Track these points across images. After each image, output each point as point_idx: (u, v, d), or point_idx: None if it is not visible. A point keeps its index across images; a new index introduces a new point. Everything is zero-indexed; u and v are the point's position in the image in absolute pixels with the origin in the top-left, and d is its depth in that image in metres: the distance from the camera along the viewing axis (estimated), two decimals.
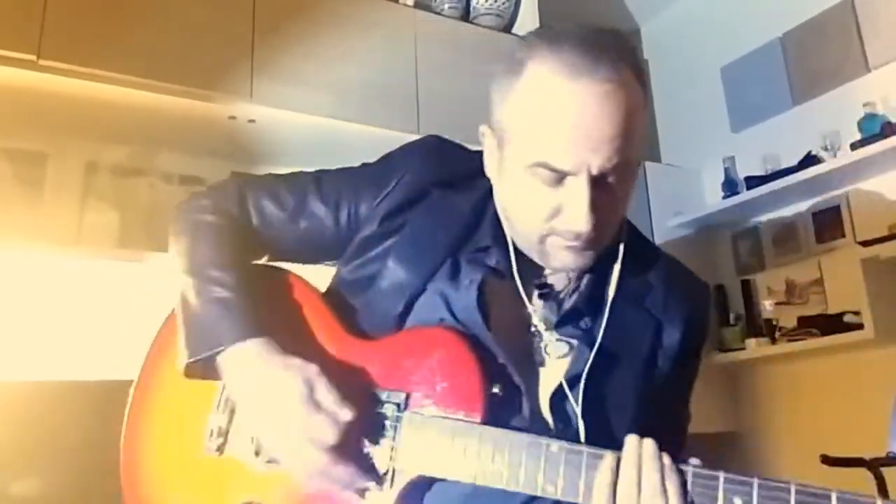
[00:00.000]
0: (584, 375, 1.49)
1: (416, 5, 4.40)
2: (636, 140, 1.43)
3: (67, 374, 3.35)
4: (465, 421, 1.42)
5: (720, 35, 5.55)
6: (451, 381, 1.46)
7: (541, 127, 1.41)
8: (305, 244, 1.71)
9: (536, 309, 1.57)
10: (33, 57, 3.25)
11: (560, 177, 1.41)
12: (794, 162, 4.71)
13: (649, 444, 1.33)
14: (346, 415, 1.40)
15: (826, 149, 4.54)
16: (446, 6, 4.56)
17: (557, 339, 1.55)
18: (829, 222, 4.68)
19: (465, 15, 4.67)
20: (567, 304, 1.59)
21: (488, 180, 1.61)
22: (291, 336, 1.54)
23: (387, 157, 1.74)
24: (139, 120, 3.70)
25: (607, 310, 1.55)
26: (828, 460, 3.55)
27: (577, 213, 1.41)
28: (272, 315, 1.56)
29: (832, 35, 4.76)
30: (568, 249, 1.47)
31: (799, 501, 1.26)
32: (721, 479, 1.29)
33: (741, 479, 1.28)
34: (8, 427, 3.10)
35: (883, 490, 3.42)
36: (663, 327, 1.60)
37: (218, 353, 1.49)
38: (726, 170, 5.12)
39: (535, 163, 1.41)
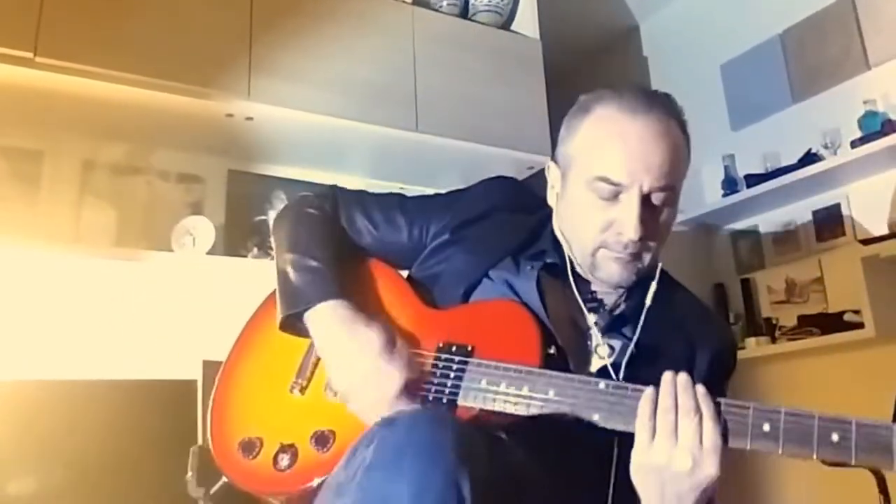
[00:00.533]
0: (625, 360, 1.76)
1: (415, 2, 4.40)
2: (680, 176, 1.78)
3: (64, 373, 3.36)
4: (524, 367, 1.64)
5: (720, 32, 5.57)
6: (513, 337, 1.72)
7: (603, 149, 1.75)
8: (380, 244, 2.04)
9: (589, 315, 1.84)
10: (30, 54, 3.25)
11: (616, 192, 1.72)
12: (794, 160, 4.72)
13: (683, 376, 1.52)
14: (414, 370, 1.69)
15: (826, 146, 4.55)
16: (444, 3, 4.56)
17: (605, 342, 1.81)
18: (829, 221, 4.70)
19: (464, 12, 4.67)
20: (616, 313, 1.85)
21: (547, 211, 1.96)
22: (372, 299, 1.90)
23: (458, 189, 2.14)
24: (136, 117, 3.70)
25: (644, 312, 1.81)
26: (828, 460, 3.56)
27: (627, 223, 1.71)
28: (357, 284, 1.91)
29: (832, 32, 4.78)
30: (616, 261, 1.77)
31: (821, 426, 1.40)
32: (751, 409, 1.47)
33: (770, 409, 1.45)
34: (3, 426, 3.11)
35: (884, 490, 3.43)
36: (696, 349, 1.84)
37: (307, 309, 1.79)
38: (726, 168, 5.13)
39: (596, 177, 1.73)
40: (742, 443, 1.45)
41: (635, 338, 1.79)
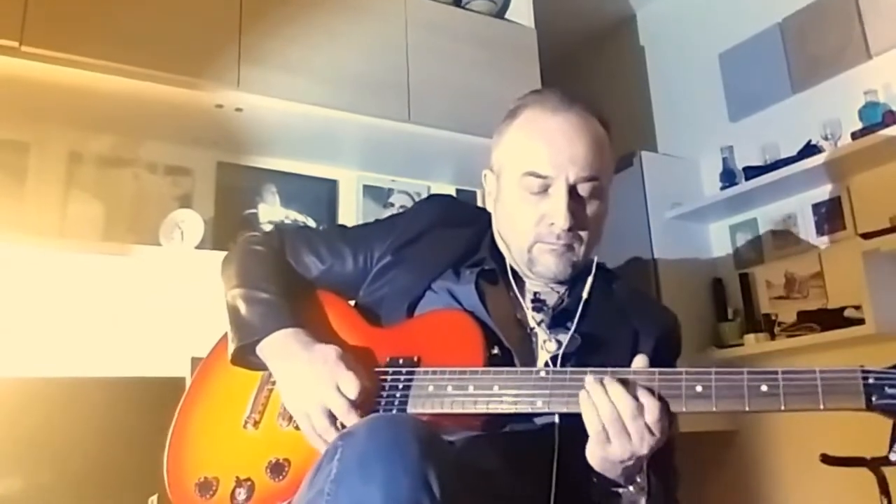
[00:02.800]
0: (570, 350, 1.86)
1: None
2: (604, 168, 1.95)
3: (50, 370, 3.36)
4: (468, 368, 1.74)
5: (718, 21, 5.59)
6: (456, 343, 1.82)
7: (530, 146, 1.94)
8: (327, 276, 2.14)
9: (533, 314, 1.97)
10: (16, 43, 3.25)
11: (544, 185, 1.89)
12: (793, 152, 4.74)
13: (607, 378, 1.59)
14: (367, 381, 1.74)
15: (826, 138, 4.56)
16: None
17: (552, 337, 1.91)
18: (829, 214, 4.71)
19: (458, 0, 4.67)
20: (559, 309, 1.97)
21: (484, 222, 2.13)
22: (321, 327, 1.96)
23: (397, 213, 2.28)
24: (124, 108, 3.71)
25: (583, 305, 1.94)
26: (828, 459, 3.57)
27: (557, 213, 1.88)
28: (306, 313, 1.97)
29: (833, 21, 4.79)
30: (551, 253, 1.93)
31: (750, 380, 1.52)
32: (683, 373, 1.57)
33: (701, 371, 1.56)
34: None
35: (885, 490, 3.44)
36: (640, 335, 1.96)
37: (260, 340, 1.88)
38: (724, 160, 5.15)
39: (524, 172, 1.91)
40: (677, 406, 1.56)
41: (573, 327, 1.91)
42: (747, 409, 1.51)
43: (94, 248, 3.66)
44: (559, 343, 1.89)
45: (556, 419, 1.75)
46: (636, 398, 1.55)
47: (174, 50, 3.59)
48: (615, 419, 1.55)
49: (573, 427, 1.63)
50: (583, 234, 1.93)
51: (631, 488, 1.66)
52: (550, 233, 1.91)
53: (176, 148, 4.13)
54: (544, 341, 1.91)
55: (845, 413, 1.51)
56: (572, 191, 1.89)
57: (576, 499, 1.73)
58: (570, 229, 1.89)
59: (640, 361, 1.63)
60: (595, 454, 1.61)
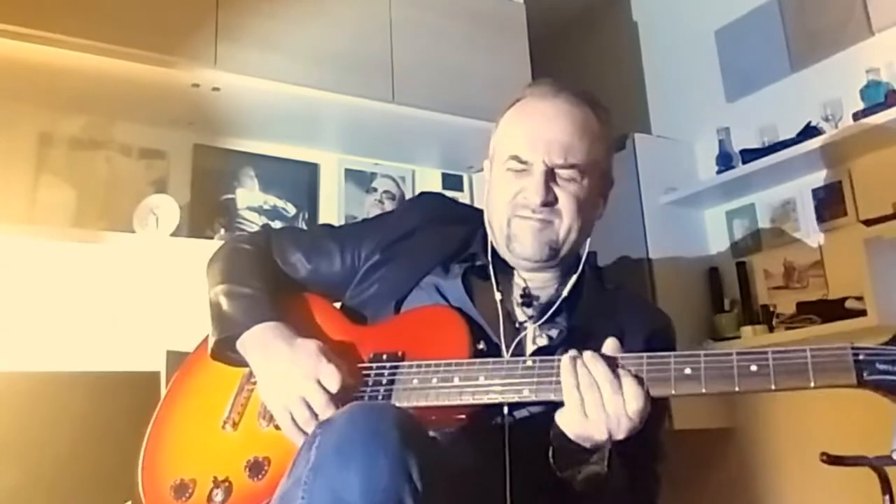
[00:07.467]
0: (557, 343, 1.93)
1: None
2: (587, 156, 2.01)
3: (18, 364, 3.36)
4: (452, 361, 1.81)
5: None
6: (441, 337, 1.89)
7: (514, 131, 2.07)
8: (314, 276, 2.21)
9: (522, 309, 2.04)
10: None
11: (525, 168, 1.98)
12: (792, 134, 4.76)
13: (588, 353, 1.66)
14: (349, 376, 1.81)
15: (827, 119, 4.59)
16: None
17: (542, 332, 1.98)
18: (830, 200, 4.74)
19: None
20: (548, 303, 2.04)
21: (477, 219, 2.18)
22: (305, 325, 2.00)
23: (386, 212, 2.36)
24: (96, 88, 3.72)
25: (561, 300, 2.01)
26: (830, 459, 3.57)
27: (531, 188, 1.97)
28: (289, 312, 2.02)
29: None
30: (528, 227, 1.99)
31: (739, 360, 1.56)
32: (672, 357, 1.63)
33: (689, 353, 1.62)
34: None
35: (888, 489, 3.45)
36: (626, 334, 1.91)
37: (240, 334, 1.93)
38: (721, 142, 5.18)
39: (508, 156, 2.02)
40: (666, 389, 1.61)
41: (561, 318, 2.00)
42: (737, 389, 1.56)
43: (65, 236, 3.68)
44: (550, 338, 1.96)
45: (505, 410, 1.82)
46: (617, 376, 1.61)
47: (148, 27, 3.60)
48: (592, 388, 1.60)
49: (549, 416, 1.70)
50: (561, 210, 1.99)
51: (593, 459, 1.70)
52: (525, 206, 1.98)
53: (150, 130, 4.14)
54: (535, 336, 1.97)
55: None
56: (550, 172, 1.97)
57: (558, 486, 1.77)
58: (545, 204, 1.97)
59: (610, 344, 1.68)
60: (573, 426, 1.66)
